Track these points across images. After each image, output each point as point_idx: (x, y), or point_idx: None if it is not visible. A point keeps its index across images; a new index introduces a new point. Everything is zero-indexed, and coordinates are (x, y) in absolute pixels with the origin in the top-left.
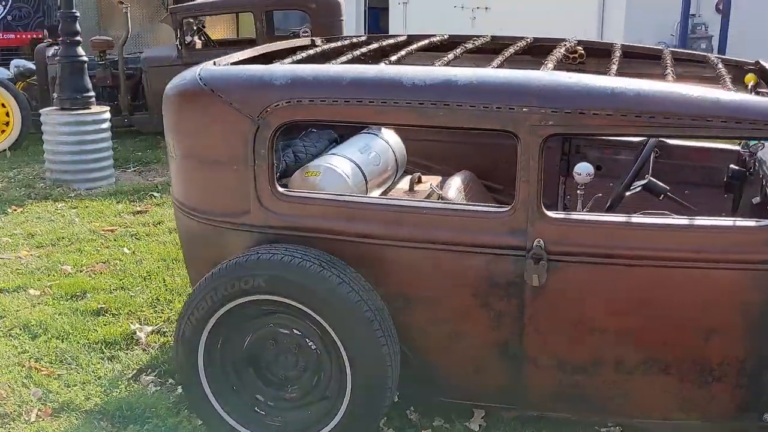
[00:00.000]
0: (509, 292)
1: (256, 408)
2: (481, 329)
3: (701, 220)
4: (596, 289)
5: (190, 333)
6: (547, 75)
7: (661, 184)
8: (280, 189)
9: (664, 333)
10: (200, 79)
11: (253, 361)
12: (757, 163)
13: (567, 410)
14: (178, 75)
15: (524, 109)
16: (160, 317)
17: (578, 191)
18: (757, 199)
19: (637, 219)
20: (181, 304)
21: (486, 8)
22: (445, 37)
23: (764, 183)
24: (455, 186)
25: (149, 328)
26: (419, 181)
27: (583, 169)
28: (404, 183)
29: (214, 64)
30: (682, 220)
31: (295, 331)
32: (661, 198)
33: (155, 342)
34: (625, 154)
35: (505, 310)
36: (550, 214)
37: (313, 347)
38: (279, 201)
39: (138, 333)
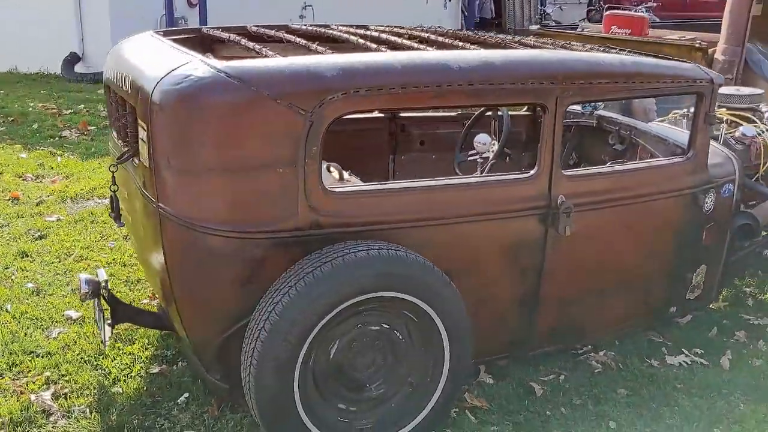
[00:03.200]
0: (534, 247)
1: (339, 417)
2: (508, 287)
3: (656, 161)
4: (595, 231)
5: (287, 355)
6: (560, 53)
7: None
8: (328, 186)
9: (631, 257)
10: (230, 76)
11: (338, 368)
12: (599, 119)
13: (560, 342)
14: (170, 76)
15: (551, 84)
16: (35, 381)
17: (478, 159)
18: (619, 146)
19: (617, 167)
20: (31, 361)
21: None
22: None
23: (625, 132)
24: (338, 171)
25: (46, 394)
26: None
27: (484, 140)
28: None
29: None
30: (643, 164)
31: (384, 325)
32: (507, 160)
33: (73, 405)
34: (443, 128)
35: (529, 265)
36: (566, 172)
37: (400, 338)
38: (328, 199)
39: (44, 401)
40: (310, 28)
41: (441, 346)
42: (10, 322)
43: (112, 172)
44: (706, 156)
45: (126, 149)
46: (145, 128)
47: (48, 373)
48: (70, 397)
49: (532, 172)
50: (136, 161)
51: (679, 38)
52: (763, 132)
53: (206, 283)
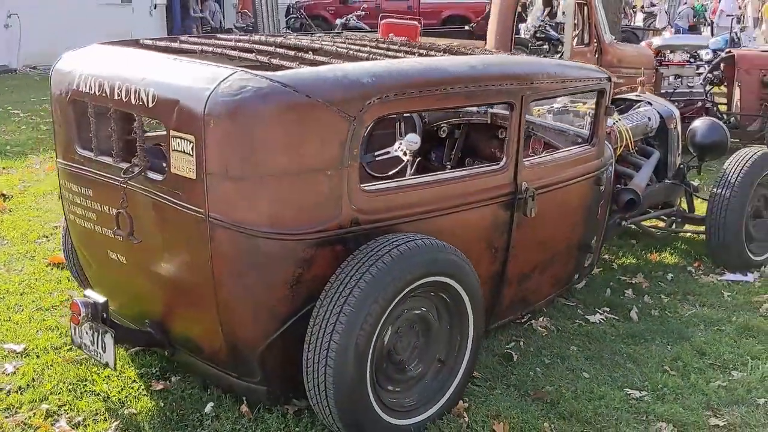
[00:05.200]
0: (503, 229)
1: (390, 398)
2: (485, 267)
3: (574, 150)
4: (545, 212)
5: (364, 343)
6: (518, 59)
7: None
8: (363, 185)
9: (562, 233)
10: (285, 85)
11: (387, 352)
12: (492, 116)
13: (513, 313)
14: (225, 87)
15: (518, 84)
16: (34, 414)
17: (408, 158)
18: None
19: (558, 155)
20: (8, 398)
21: None
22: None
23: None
24: None
25: (63, 424)
26: None
27: (415, 139)
28: None
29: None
30: (571, 152)
31: (422, 309)
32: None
33: (101, 431)
34: None
35: (500, 245)
36: (525, 162)
37: (433, 319)
38: (366, 197)
39: None
40: (254, 37)
41: (467, 322)
42: None
43: (123, 188)
44: (603, 143)
45: (135, 164)
46: (192, 140)
47: (45, 406)
48: (89, 425)
49: (501, 162)
50: (157, 175)
51: (448, 45)
52: (616, 122)
53: (258, 287)
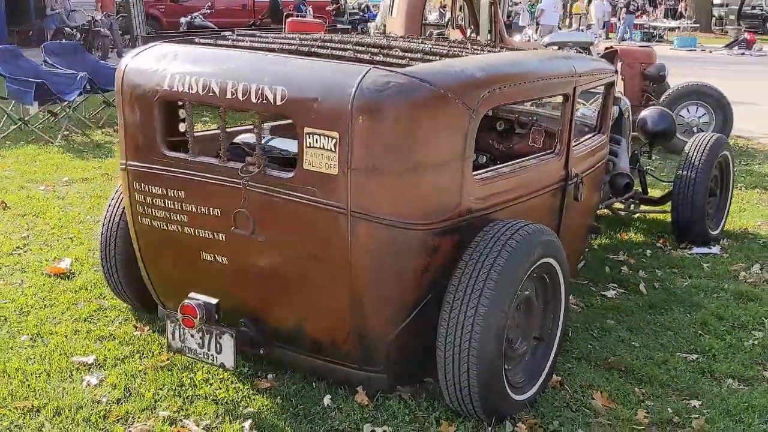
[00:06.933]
0: (555, 211)
1: (507, 376)
2: None
3: (596, 138)
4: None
5: (503, 323)
6: (569, 54)
7: None
8: (474, 174)
9: (586, 217)
10: (422, 80)
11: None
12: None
13: None
14: (368, 84)
15: (572, 77)
16: (152, 420)
17: None
18: (520, 130)
19: (584, 146)
20: (113, 407)
21: None
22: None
23: (526, 117)
24: None
25: (193, 427)
26: None
27: None
28: None
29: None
30: (592, 140)
31: (528, 290)
32: None
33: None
34: None
35: (553, 226)
36: (574, 150)
37: (534, 298)
38: (477, 186)
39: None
40: (313, 36)
41: (560, 300)
42: (17, 378)
43: (244, 186)
44: (609, 131)
45: (251, 163)
46: (335, 137)
47: (163, 413)
48: (219, 427)
49: (556, 151)
50: (284, 173)
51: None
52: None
53: (394, 277)
